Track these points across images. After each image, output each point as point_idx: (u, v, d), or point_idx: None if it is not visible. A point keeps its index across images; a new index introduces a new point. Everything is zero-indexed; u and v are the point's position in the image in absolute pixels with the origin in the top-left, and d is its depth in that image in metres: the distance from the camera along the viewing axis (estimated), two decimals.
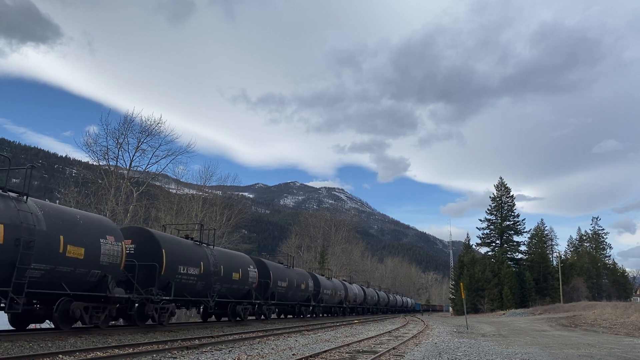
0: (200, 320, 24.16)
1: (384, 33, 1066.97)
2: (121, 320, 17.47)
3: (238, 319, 22.92)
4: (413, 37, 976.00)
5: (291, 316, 33.14)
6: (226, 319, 23.27)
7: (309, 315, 33.45)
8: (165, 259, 17.05)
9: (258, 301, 24.88)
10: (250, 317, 24.96)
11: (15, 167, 13.53)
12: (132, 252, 16.77)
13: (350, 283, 49.42)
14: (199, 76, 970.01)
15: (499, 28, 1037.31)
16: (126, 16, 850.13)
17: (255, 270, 24.56)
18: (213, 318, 24.22)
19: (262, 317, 26.32)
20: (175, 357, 10.40)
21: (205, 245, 21.15)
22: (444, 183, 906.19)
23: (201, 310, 23.18)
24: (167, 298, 17.26)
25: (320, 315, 37.69)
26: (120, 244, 15.09)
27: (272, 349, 12.71)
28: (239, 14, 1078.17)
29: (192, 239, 20.90)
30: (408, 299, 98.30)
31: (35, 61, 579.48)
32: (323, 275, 40.24)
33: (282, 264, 31.24)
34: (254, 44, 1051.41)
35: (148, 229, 19.38)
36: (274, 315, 30.73)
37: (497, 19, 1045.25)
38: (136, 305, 16.20)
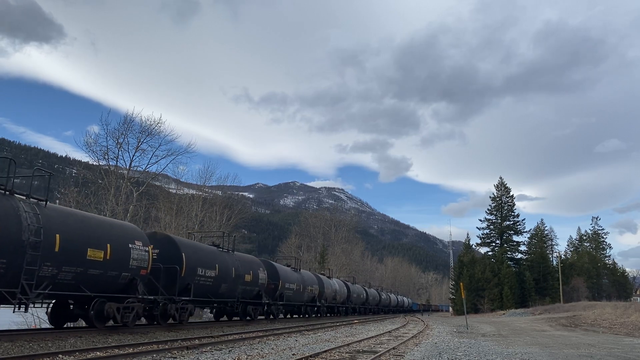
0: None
1: (387, 32, 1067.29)
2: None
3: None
4: (416, 36, 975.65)
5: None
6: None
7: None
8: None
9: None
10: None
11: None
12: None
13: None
14: (200, 76, 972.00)
15: (502, 27, 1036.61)
16: (129, 15, 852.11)
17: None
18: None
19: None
20: (175, 357, 10.40)
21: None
22: (446, 183, 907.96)
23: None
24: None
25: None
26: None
27: (272, 348, 12.71)
28: (243, 13, 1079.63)
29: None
30: (404, 298, 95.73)
31: (37, 60, 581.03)
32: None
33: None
34: (257, 43, 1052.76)
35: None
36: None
37: (501, 18, 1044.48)
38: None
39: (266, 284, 25.49)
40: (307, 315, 33.73)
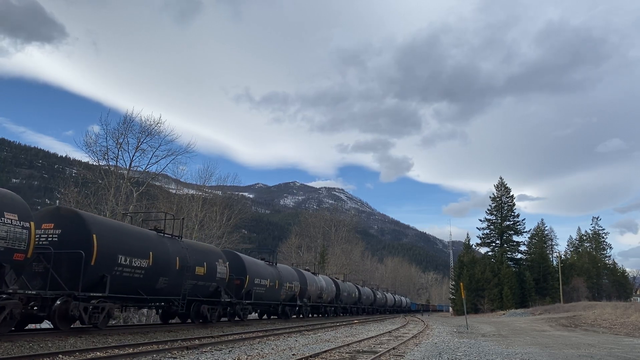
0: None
1: (388, 32, 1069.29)
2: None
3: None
4: (418, 36, 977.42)
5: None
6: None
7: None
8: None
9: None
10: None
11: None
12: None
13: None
14: (201, 75, 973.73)
15: (505, 27, 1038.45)
16: (131, 15, 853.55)
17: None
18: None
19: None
20: (175, 357, 10.40)
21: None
22: (447, 183, 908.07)
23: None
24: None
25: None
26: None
27: (272, 349, 12.71)
28: (245, 13, 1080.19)
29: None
30: (402, 298, 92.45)
31: (37, 60, 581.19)
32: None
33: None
34: (259, 43, 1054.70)
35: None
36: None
37: (503, 18, 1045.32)
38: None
39: (227, 279, 21.25)
40: (286, 317, 29.60)
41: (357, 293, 48.97)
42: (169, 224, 20.51)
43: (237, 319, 23.62)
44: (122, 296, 15.65)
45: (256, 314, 30.21)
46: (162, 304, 18.37)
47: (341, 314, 44.08)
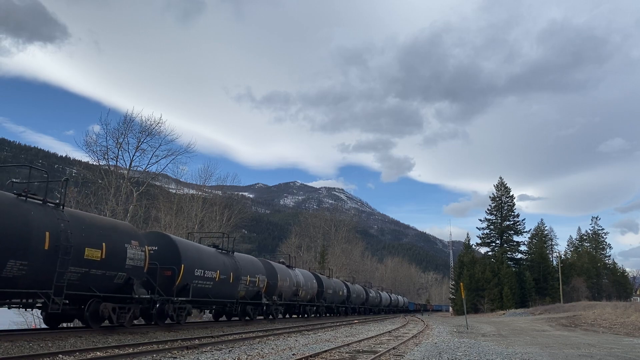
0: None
1: (390, 31, 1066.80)
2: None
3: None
4: (420, 35, 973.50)
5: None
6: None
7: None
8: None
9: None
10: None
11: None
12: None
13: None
14: (203, 75, 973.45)
15: (507, 26, 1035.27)
16: (133, 15, 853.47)
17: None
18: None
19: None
20: (175, 357, 10.40)
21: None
22: (448, 183, 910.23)
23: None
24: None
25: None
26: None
27: (272, 348, 12.71)
28: (247, 13, 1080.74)
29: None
30: (399, 297, 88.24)
31: (38, 60, 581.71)
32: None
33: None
34: (261, 43, 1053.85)
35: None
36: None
37: (506, 17, 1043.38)
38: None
39: (146, 267, 16.24)
40: (247, 318, 24.17)
41: (345, 291, 44.04)
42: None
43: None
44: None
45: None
46: (23, 300, 13.03)
47: (326, 315, 39.40)
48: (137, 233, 16.67)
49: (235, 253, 23.94)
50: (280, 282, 27.95)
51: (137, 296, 15.39)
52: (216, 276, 20.37)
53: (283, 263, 31.89)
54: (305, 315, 33.74)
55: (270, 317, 27.15)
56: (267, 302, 25.75)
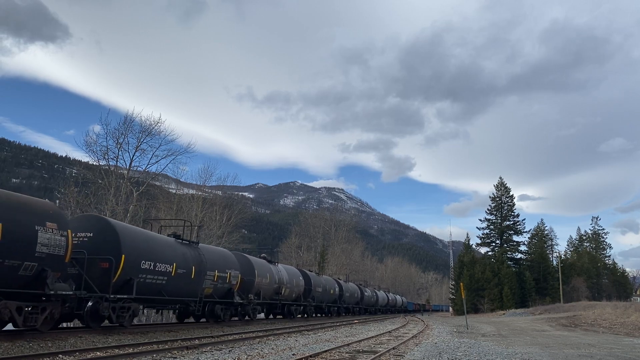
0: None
1: (391, 31, 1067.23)
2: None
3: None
4: (421, 35, 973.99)
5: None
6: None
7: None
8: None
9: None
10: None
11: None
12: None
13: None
14: (204, 75, 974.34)
15: (509, 26, 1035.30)
16: (134, 15, 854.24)
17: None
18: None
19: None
20: (175, 357, 10.40)
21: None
22: (448, 183, 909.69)
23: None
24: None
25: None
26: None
27: (272, 348, 12.71)
28: (248, 12, 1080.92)
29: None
30: (397, 297, 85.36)
31: (39, 60, 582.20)
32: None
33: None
34: (262, 43, 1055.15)
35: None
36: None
37: (507, 17, 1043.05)
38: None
39: (68, 256, 12.80)
40: (215, 319, 21.02)
41: (336, 289, 40.93)
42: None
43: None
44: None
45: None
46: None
47: (315, 315, 36.64)
48: (56, 213, 12.87)
49: (201, 244, 20.78)
50: (258, 278, 24.95)
51: (52, 292, 12.07)
52: (172, 270, 17.08)
53: (264, 258, 29.15)
54: (291, 317, 30.78)
55: (247, 318, 24.10)
56: (241, 302, 22.68)
